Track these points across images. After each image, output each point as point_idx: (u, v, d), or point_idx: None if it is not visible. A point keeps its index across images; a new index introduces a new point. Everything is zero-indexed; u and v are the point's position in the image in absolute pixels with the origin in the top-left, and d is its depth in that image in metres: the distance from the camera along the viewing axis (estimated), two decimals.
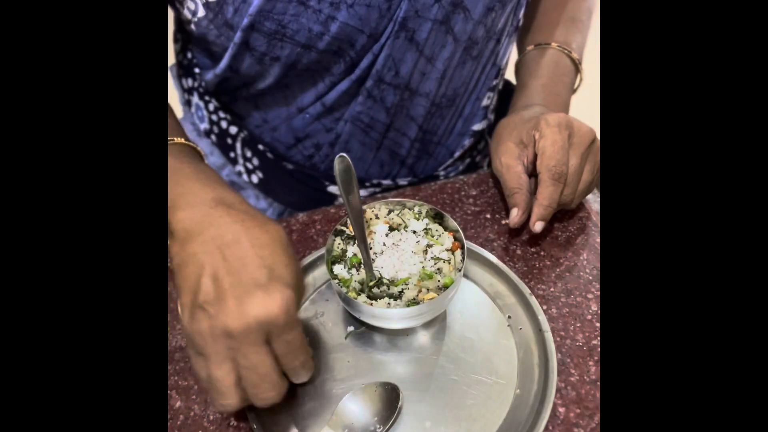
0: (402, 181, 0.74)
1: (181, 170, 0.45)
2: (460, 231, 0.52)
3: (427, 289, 0.49)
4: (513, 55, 0.74)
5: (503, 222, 0.62)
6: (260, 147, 0.71)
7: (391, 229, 0.54)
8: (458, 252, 0.51)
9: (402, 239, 0.52)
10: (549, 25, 0.72)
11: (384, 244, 0.52)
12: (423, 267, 0.50)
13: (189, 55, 0.73)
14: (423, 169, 0.75)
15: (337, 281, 0.50)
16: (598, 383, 0.48)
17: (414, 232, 0.53)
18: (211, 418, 0.49)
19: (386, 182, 0.73)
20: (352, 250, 0.52)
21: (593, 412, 0.47)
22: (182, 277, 0.38)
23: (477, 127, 0.73)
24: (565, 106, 0.68)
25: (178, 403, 0.50)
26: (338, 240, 0.53)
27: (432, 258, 0.51)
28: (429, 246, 0.52)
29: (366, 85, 0.62)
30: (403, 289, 0.49)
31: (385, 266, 0.50)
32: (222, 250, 0.38)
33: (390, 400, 0.47)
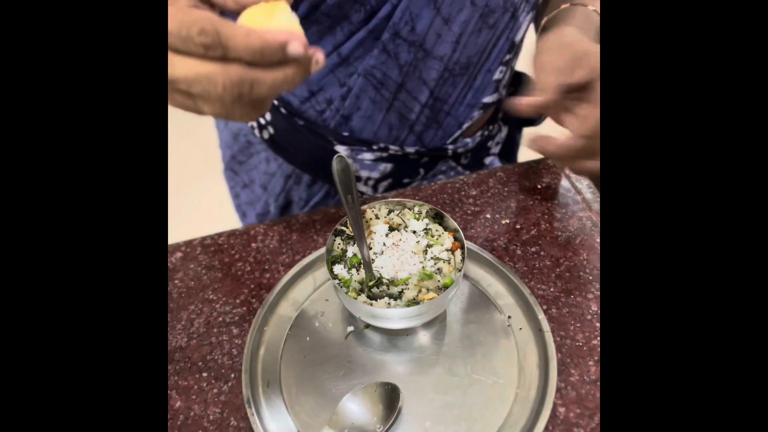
0: (409, 149, 0.74)
1: None
2: (460, 231, 0.52)
3: (427, 289, 0.49)
4: (529, 37, 0.73)
5: (503, 222, 0.62)
6: (275, 102, 0.74)
7: (391, 229, 0.54)
8: (458, 252, 0.51)
9: (402, 239, 0.52)
10: None
11: (384, 244, 0.52)
12: (423, 267, 0.50)
13: None
14: (431, 140, 0.76)
15: (337, 281, 0.50)
16: (598, 383, 0.48)
17: (414, 232, 0.53)
18: (211, 418, 0.49)
19: (393, 147, 0.73)
20: (352, 250, 0.52)
21: (593, 412, 0.47)
22: None
23: (487, 99, 0.74)
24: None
25: (178, 403, 0.50)
26: (338, 240, 0.53)
27: (432, 258, 0.51)
28: (429, 246, 0.52)
29: (382, 38, 0.64)
30: (402, 289, 0.49)
31: (385, 266, 0.50)
32: None
33: (390, 400, 0.47)
